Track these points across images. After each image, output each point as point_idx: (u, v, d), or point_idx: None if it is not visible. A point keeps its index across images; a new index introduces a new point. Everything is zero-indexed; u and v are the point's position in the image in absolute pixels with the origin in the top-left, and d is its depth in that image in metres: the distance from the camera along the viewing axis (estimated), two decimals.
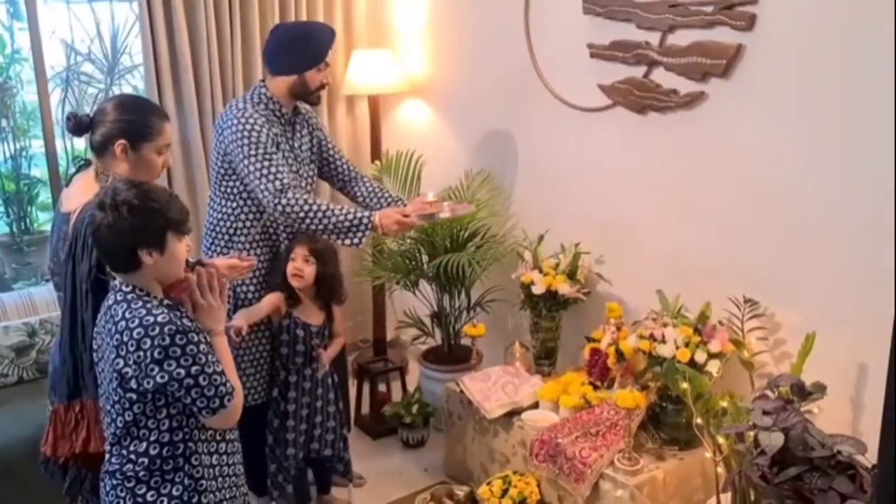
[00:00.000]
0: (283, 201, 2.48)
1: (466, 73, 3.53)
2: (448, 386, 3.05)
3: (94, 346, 1.79)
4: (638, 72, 2.77)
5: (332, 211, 2.51)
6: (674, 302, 2.61)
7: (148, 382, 1.64)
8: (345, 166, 2.91)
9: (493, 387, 2.89)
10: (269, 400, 2.72)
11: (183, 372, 1.64)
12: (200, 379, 1.66)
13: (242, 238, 2.66)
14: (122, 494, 1.71)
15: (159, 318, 1.64)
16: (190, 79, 3.37)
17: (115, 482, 1.73)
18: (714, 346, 2.42)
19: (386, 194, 2.91)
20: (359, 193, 2.92)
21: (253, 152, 2.49)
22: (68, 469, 2.01)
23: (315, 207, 2.50)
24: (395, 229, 2.61)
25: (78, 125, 2.03)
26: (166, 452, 1.71)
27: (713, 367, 2.41)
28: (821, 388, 2.08)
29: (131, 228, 1.65)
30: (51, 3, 3.62)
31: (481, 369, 3.07)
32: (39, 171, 4.09)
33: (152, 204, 1.67)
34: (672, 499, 2.43)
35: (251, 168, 2.49)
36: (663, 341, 2.47)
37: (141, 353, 1.63)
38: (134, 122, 2.02)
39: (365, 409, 3.52)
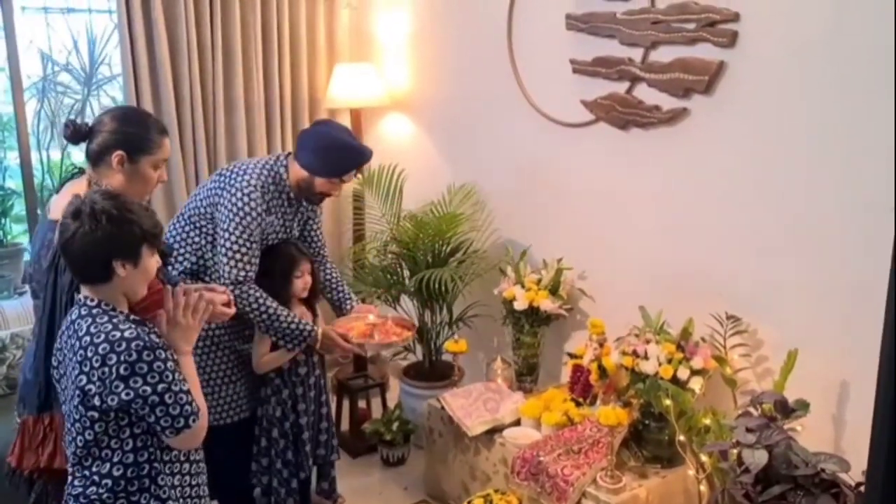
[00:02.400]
0: (238, 292, 2.46)
1: (449, 88, 3.52)
2: (429, 402, 3.00)
3: (55, 363, 1.73)
4: (620, 87, 2.77)
5: (279, 316, 2.52)
6: (656, 318, 2.60)
7: (112, 400, 1.58)
8: (316, 247, 2.88)
9: (474, 403, 2.85)
10: (256, 421, 2.66)
11: (149, 389, 1.59)
12: (166, 397, 1.61)
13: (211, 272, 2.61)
14: None
15: (126, 334, 1.59)
16: (170, 90, 3.33)
17: None
18: (697, 363, 2.41)
19: (340, 287, 2.89)
20: (318, 275, 2.89)
21: (238, 233, 2.46)
22: (34, 483, 1.96)
23: (265, 307, 2.50)
24: (336, 351, 2.68)
25: (76, 133, 2.01)
26: (131, 473, 1.65)
27: (696, 383, 2.40)
28: (804, 406, 2.07)
29: (108, 238, 1.60)
30: (29, 13, 3.57)
31: (462, 386, 3.04)
32: (14, 182, 4.01)
33: (130, 215, 1.63)
34: None
35: (226, 245, 2.47)
36: (646, 358, 2.45)
37: (106, 370, 1.57)
38: (134, 133, 2.01)
39: (345, 426, 3.47)
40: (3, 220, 4.05)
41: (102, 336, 1.59)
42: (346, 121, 3.86)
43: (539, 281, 3.02)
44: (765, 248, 2.46)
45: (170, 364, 1.63)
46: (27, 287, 3.76)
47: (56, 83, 3.94)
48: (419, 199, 3.49)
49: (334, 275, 2.90)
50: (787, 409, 2.06)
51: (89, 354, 1.58)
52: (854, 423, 2.28)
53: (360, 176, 2.67)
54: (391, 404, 3.41)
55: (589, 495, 2.36)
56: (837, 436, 2.31)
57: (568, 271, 3.03)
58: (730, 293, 2.55)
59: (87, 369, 1.59)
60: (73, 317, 1.66)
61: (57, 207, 1.99)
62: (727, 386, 2.46)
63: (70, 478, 1.70)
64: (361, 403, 3.51)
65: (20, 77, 3.32)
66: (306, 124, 3.77)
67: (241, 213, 2.45)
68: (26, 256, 3.80)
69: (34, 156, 3.53)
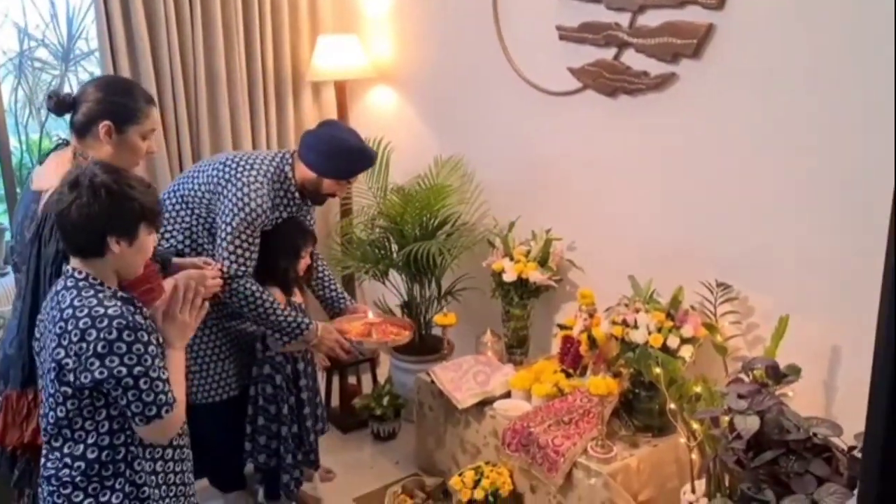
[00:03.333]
0: (234, 285, 2.45)
1: (435, 59, 3.46)
2: (419, 377, 2.98)
3: (37, 334, 1.68)
4: (608, 54, 2.72)
5: (275, 309, 2.50)
6: (646, 287, 2.58)
7: (86, 377, 1.54)
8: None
9: (464, 376, 2.83)
10: (250, 400, 2.63)
11: (124, 370, 1.53)
12: (141, 382, 1.55)
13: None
14: (59, 502, 1.61)
15: (110, 311, 1.54)
16: (148, 65, 3.25)
17: (51, 488, 1.62)
18: (687, 331, 2.39)
19: (332, 286, 2.88)
20: (315, 259, 2.87)
21: (241, 227, 2.43)
22: (17, 461, 1.92)
23: (261, 300, 2.48)
24: (333, 348, 2.64)
25: (60, 104, 1.96)
26: (105, 457, 1.60)
27: (686, 352, 2.38)
28: (795, 371, 2.05)
29: (105, 213, 1.56)
30: None
31: (452, 359, 3.02)
32: None
33: (131, 191, 1.59)
34: (646, 486, 2.40)
35: (228, 238, 2.43)
36: (636, 327, 2.43)
37: (84, 345, 1.53)
38: (121, 103, 1.95)
39: (335, 402, 3.45)
40: None
41: (85, 310, 1.54)
42: (330, 94, 3.80)
43: (528, 252, 2.99)
44: (755, 214, 2.43)
45: (151, 348, 1.58)
46: (8, 267, 3.71)
47: (33, 59, 3.86)
48: (406, 172, 3.44)
49: (326, 273, 2.88)
50: (778, 375, 2.04)
51: (69, 328, 1.54)
52: (846, 389, 2.27)
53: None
54: (381, 379, 3.40)
55: (580, 465, 2.35)
56: (829, 401, 2.30)
57: (557, 242, 2.99)
58: (720, 260, 2.52)
59: (65, 343, 1.54)
60: (58, 287, 1.62)
61: (39, 178, 1.97)
62: (718, 354, 2.44)
63: (43, 459, 1.66)
64: (351, 379, 3.48)
65: None
66: (290, 97, 3.71)
67: (246, 209, 2.42)
68: (8, 237, 3.74)
69: (12, 134, 3.45)
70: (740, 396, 1.91)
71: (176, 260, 2.21)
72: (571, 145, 2.95)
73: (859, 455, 1.71)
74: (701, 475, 2.20)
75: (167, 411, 1.59)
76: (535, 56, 3.00)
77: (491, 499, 2.50)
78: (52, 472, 1.62)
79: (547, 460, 2.41)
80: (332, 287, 2.87)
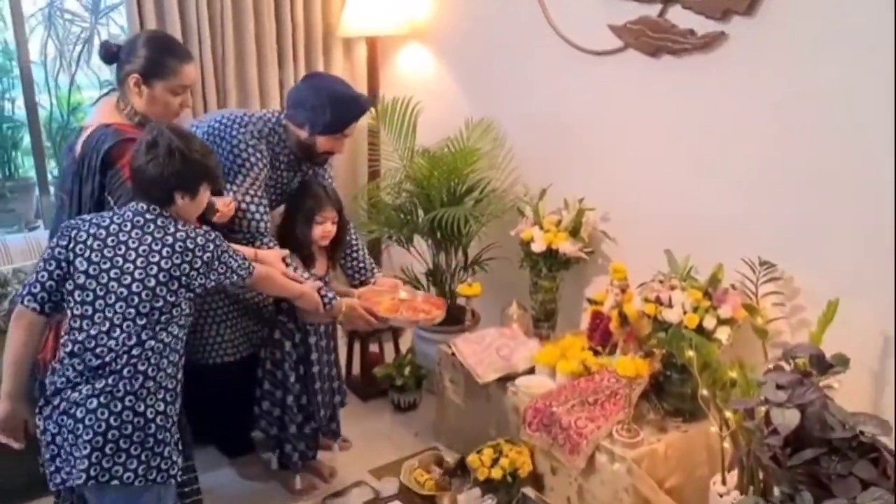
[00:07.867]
0: (256, 245, 2.35)
1: (470, 16, 3.29)
2: (441, 348, 2.88)
3: (95, 259, 1.84)
4: (652, 10, 2.52)
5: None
6: (683, 263, 2.42)
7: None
8: None
9: (486, 350, 2.72)
10: (259, 364, 2.57)
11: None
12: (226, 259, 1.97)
13: None
14: None
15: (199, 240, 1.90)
16: (175, 18, 3.15)
17: None
18: (725, 312, 2.24)
19: (356, 254, 2.72)
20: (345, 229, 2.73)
21: (243, 185, 2.36)
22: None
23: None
24: (359, 325, 2.53)
25: (107, 53, 2.17)
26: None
27: (723, 334, 2.23)
28: (843, 361, 1.87)
29: (178, 172, 1.85)
30: None
31: (477, 331, 2.90)
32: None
33: (196, 155, 1.88)
34: (673, 473, 2.26)
35: (238, 200, 2.35)
36: (670, 305, 2.28)
37: (209, 254, 1.91)
38: (150, 58, 2.12)
39: (356, 370, 3.38)
40: (13, 153, 3.97)
41: (190, 233, 1.87)
42: (361, 51, 3.67)
43: (559, 222, 2.85)
44: (806, 189, 2.25)
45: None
46: (39, 221, 3.72)
47: (63, 11, 3.81)
48: (435, 134, 3.30)
49: (354, 240, 2.74)
50: (823, 365, 1.87)
51: (190, 245, 1.85)
52: None
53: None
54: (403, 349, 3.31)
55: (603, 449, 2.23)
56: (878, 396, 2.13)
57: (590, 212, 2.84)
58: (764, 237, 2.35)
59: (188, 258, 1.85)
60: (134, 218, 1.84)
61: (90, 118, 2.20)
62: (758, 337, 2.29)
63: None
64: (373, 347, 3.41)
65: (20, 6, 3.18)
66: (320, 53, 3.58)
67: (247, 163, 2.36)
68: (38, 191, 3.73)
69: (42, 88, 3.41)
70: (779, 387, 1.75)
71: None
72: (609, 109, 2.78)
73: None
74: (733, 467, 2.07)
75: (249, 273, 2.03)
76: (575, 11, 2.82)
77: (509, 479, 2.40)
78: None
79: (569, 442, 2.29)
80: (357, 256, 2.73)
